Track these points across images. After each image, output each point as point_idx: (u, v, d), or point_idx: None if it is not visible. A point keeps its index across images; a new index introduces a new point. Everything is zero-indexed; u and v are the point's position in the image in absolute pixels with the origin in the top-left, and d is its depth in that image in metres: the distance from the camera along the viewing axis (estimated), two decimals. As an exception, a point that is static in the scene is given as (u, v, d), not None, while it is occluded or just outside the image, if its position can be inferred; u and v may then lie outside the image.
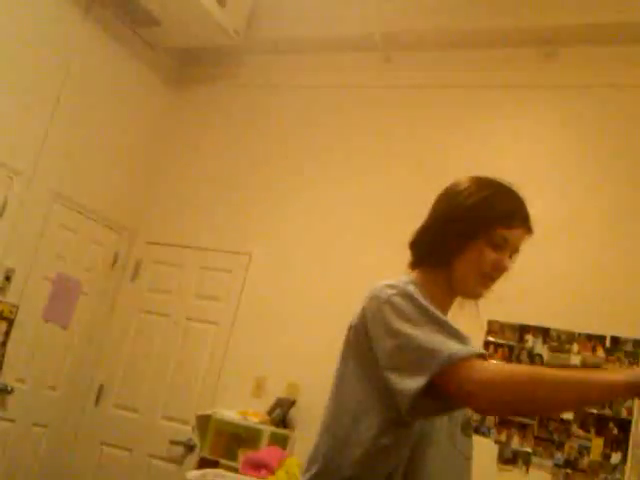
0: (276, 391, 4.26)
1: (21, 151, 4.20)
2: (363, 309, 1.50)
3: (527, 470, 3.72)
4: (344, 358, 1.56)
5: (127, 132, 4.98)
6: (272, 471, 3.43)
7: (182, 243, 4.90)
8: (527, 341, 3.93)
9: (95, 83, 4.66)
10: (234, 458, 3.87)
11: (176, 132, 5.27)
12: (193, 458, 4.22)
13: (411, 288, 1.49)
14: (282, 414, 4.11)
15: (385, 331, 1.42)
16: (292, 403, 4.16)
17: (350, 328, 1.54)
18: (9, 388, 4.15)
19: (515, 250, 1.59)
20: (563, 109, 4.24)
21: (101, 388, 4.80)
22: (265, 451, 3.72)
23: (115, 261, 4.99)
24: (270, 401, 4.22)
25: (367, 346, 1.47)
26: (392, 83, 4.70)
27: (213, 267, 4.76)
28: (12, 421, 4.23)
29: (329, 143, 4.76)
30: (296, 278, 4.51)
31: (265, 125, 5.01)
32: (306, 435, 4.17)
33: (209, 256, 4.79)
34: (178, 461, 4.37)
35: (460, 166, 4.27)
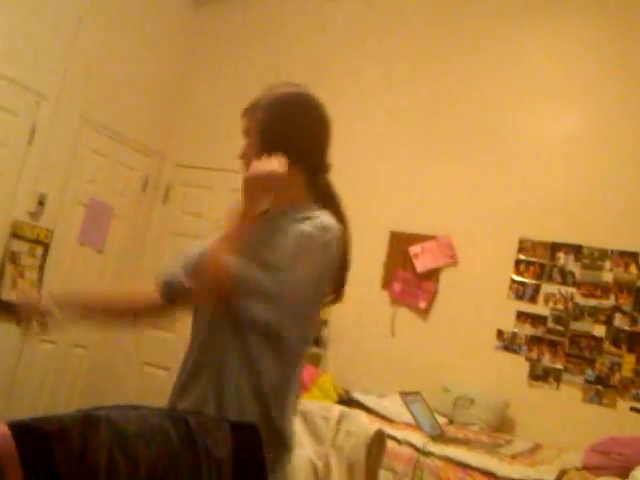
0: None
1: (47, 75, 4.17)
2: None
3: (558, 386, 3.77)
4: None
5: (154, 54, 4.91)
6: (306, 388, 3.51)
7: (211, 165, 4.89)
8: (559, 259, 3.91)
9: (119, 2, 4.57)
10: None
11: (204, 52, 5.19)
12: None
13: None
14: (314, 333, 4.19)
15: None
16: (324, 323, 4.23)
17: None
18: (49, 311, 4.25)
19: (244, 134, 1.85)
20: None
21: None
22: (299, 369, 3.80)
23: (146, 184, 5.02)
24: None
25: None
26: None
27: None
28: (54, 343, 4.37)
29: (364, 62, 4.66)
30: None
31: (291, 40, 4.90)
32: (338, 353, 4.26)
33: (239, 178, 4.78)
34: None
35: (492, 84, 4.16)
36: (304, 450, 2.71)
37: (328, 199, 1.70)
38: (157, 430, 1.47)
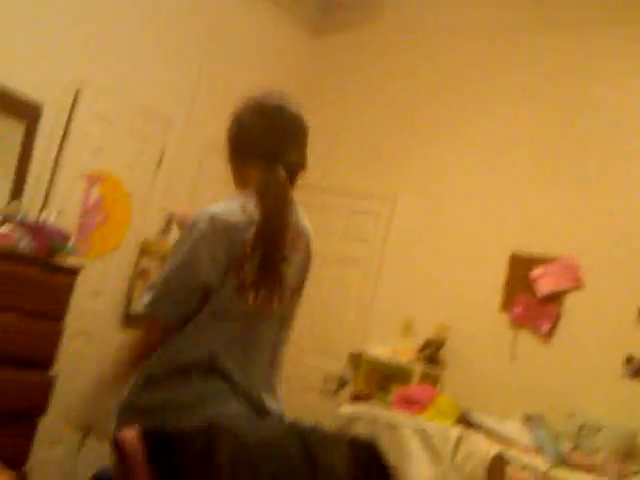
0: (425, 331, 4.28)
1: (175, 103, 4.38)
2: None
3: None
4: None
5: (269, 82, 5.04)
6: (424, 408, 3.47)
7: (328, 187, 4.95)
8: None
9: (237, 38, 4.74)
10: (386, 394, 3.95)
11: (319, 79, 5.28)
12: (346, 393, 4.35)
13: None
14: (432, 353, 4.13)
15: None
16: (442, 343, 4.17)
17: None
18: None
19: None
20: None
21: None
22: (417, 388, 3.76)
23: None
24: (419, 341, 4.25)
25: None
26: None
27: (360, 211, 4.80)
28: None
29: (481, 85, 4.61)
30: (446, 221, 4.47)
31: (410, 69, 4.90)
32: (456, 374, 4.17)
33: (355, 200, 4.83)
34: (331, 396, 4.52)
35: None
36: (422, 469, 2.66)
37: (262, 189, 1.87)
38: (277, 443, 1.49)
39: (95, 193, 4.05)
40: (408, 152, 4.74)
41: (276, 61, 5.09)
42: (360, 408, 3.19)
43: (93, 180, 4.02)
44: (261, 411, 1.81)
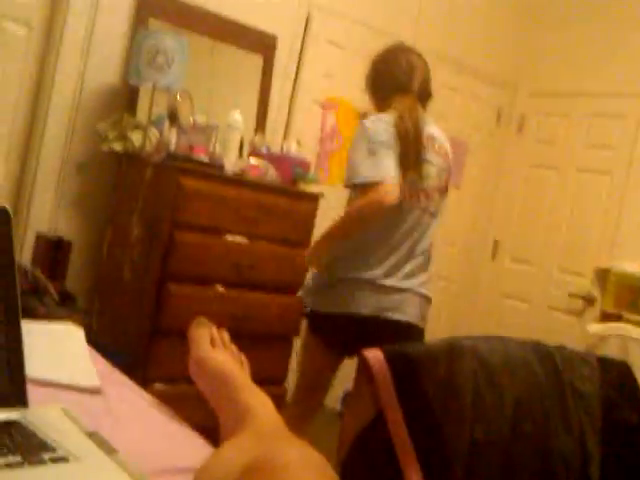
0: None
1: (402, 18, 4.33)
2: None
3: None
4: None
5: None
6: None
7: (568, 91, 4.65)
8: None
9: None
10: (638, 312, 3.72)
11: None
12: (594, 311, 4.17)
13: None
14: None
15: None
16: None
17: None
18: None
19: None
20: None
21: (496, 243, 4.95)
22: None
23: (499, 117, 4.97)
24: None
25: None
26: None
27: (603, 113, 4.45)
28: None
29: None
30: None
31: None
32: None
33: (598, 102, 4.48)
34: (578, 314, 4.36)
35: None
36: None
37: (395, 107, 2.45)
38: (522, 362, 1.48)
39: (331, 119, 4.18)
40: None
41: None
42: (609, 327, 3.04)
43: (328, 106, 4.15)
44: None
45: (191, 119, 3.24)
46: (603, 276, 4.02)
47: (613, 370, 1.59)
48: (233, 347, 1.23)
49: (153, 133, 3.21)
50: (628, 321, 3.60)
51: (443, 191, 2.51)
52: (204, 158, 3.07)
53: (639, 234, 4.16)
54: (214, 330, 1.22)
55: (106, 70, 3.35)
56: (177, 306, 2.92)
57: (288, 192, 3.31)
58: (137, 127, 3.24)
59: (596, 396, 1.54)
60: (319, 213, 3.47)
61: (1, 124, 3.21)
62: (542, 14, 4.91)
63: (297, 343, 3.47)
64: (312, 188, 3.43)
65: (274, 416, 1.03)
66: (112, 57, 3.36)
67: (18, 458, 0.79)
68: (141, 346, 2.92)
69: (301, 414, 2.48)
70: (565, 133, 4.66)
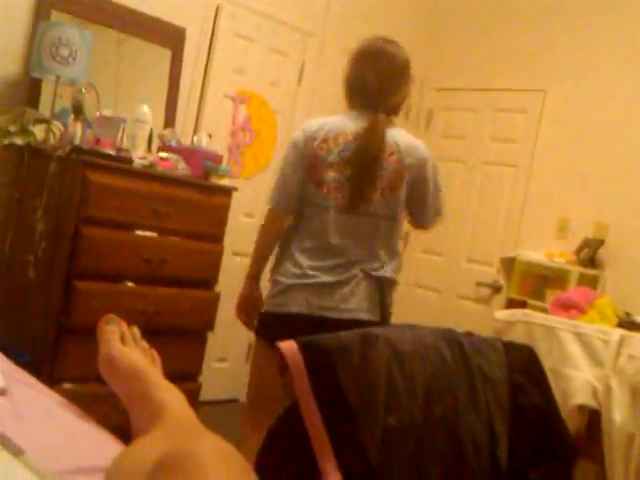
0: (580, 232, 4.13)
1: (312, 14, 4.34)
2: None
3: None
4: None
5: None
6: (583, 311, 3.38)
7: (473, 86, 4.78)
8: None
9: None
10: (542, 299, 3.88)
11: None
12: (500, 299, 4.32)
13: None
14: (590, 254, 3.98)
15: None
16: (600, 243, 4.00)
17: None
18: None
19: None
20: None
21: (406, 235, 5.05)
22: (574, 291, 3.66)
23: (408, 112, 5.06)
24: (574, 243, 4.10)
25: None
26: None
27: (507, 108, 4.61)
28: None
29: None
30: (599, 116, 4.19)
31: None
32: (617, 276, 4.01)
33: (502, 97, 4.64)
34: (485, 302, 4.51)
35: None
36: (582, 373, 2.62)
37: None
38: (432, 349, 1.52)
39: (242, 113, 4.15)
40: (555, 45, 4.44)
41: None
42: (515, 313, 3.16)
43: (239, 100, 4.12)
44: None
45: (97, 113, 3.15)
46: (509, 265, 4.17)
47: (519, 354, 1.65)
48: (144, 343, 1.21)
49: (57, 126, 3.11)
50: (533, 308, 3.74)
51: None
52: (111, 151, 2.99)
53: (542, 224, 4.33)
54: (124, 327, 1.20)
55: (7, 62, 3.22)
56: (85, 303, 2.84)
57: (200, 186, 3.27)
58: (40, 121, 3.13)
59: (503, 380, 1.59)
60: (234, 207, 3.45)
61: None
62: (447, 12, 5.03)
63: (211, 337, 3.45)
64: (228, 182, 3.40)
65: (187, 412, 1.02)
66: (12, 49, 3.23)
67: None
68: (47, 345, 2.83)
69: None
70: (471, 127, 4.80)
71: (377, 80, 2.36)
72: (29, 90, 3.25)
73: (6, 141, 3.06)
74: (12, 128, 3.08)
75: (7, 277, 3.14)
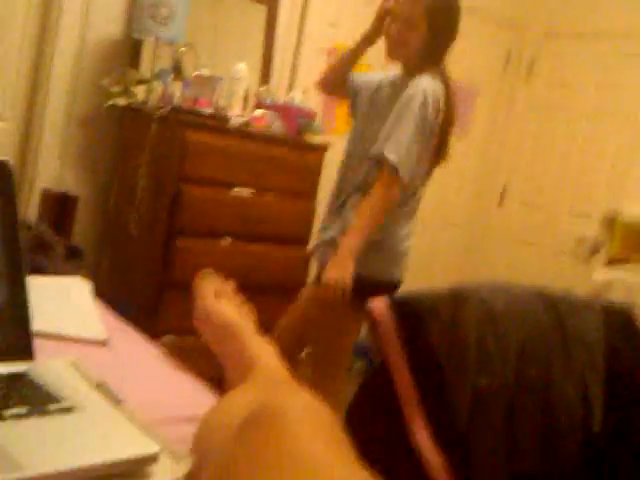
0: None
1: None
2: None
3: None
4: None
5: None
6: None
7: (581, 31, 4.55)
8: None
9: None
10: (647, 256, 3.71)
11: None
12: (601, 256, 4.16)
13: None
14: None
15: None
16: None
17: None
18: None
19: (401, 17, 2.22)
20: None
21: (505, 188, 4.92)
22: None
23: (508, 59, 4.88)
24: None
25: None
26: None
27: (615, 53, 4.36)
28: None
29: None
30: None
31: None
32: None
33: (610, 42, 4.39)
34: (585, 258, 4.35)
35: None
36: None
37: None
38: (526, 310, 1.48)
39: (336, 68, 4.12)
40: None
41: None
42: (615, 273, 3.03)
43: (334, 54, 4.09)
44: None
45: (195, 72, 3.21)
46: (612, 219, 4.00)
47: (617, 316, 1.59)
48: (238, 298, 1.24)
49: (157, 86, 3.19)
50: (634, 267, 3.59)
51: None
52: (208, 110, 3.05)
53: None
54: (219, 282, 1.23)
55: (108, 24, 3.31)
56: (184, 259, 2.94)
57: (294, 143, 3.29)
58: (141, 81, 3.22)
59: (599, 343, 1.54)
60: (326, 164, 3.46)
61: (5, 81, 3.19)
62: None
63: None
64: (319, 139, 3.41)
65: (279, 367, 1.04)
66: (114, 11, 3.31)
67: (24, 410, 0.80)
68: (150, 299, 2.96)
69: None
70: (577, 75, 4.58)
71: None
72: (130, 51, 3.34)
73: (109, 102, 3.17)
74: (115, 89, 3.18)
75: (112, 234, 3.28)
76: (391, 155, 2.15)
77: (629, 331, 1.55)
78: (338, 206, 2.38)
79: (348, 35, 4.08)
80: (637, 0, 4.27)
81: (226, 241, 3.08)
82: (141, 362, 1.19)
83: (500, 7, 4.68)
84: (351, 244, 2.19)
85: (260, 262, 3.18)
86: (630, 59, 4.30)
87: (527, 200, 4.77)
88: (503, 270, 4.78)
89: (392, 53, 2.29)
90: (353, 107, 2.50)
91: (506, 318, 1.45)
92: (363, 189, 2.27)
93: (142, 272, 3.03)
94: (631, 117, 4.27)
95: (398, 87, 2.28)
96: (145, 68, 3.29)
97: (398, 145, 2.15)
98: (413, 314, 1.38)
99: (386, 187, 2.19)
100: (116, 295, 2.92)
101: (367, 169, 2.29)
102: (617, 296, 2.80)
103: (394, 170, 2.16)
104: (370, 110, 2.38)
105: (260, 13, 3.73)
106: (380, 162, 2.20)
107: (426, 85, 2.17)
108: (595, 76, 4.48)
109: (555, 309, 1.53)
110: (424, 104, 2.15)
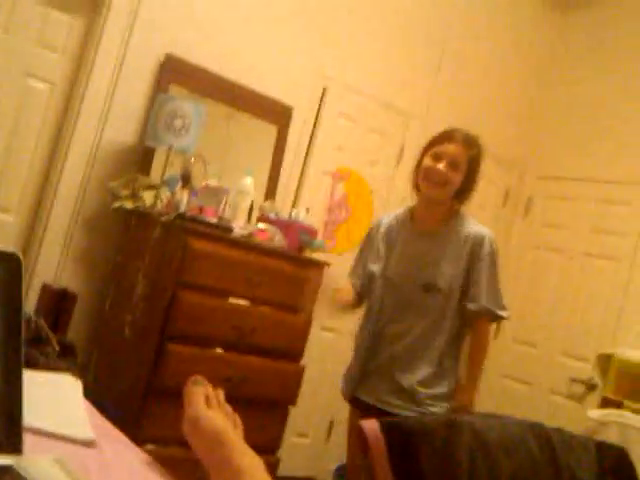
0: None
1: (414, 97, 4.44)
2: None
3: None
4: None
5: (511, 65, 4.92)
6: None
7: (575, 176, 4.72)
8: None
9: (478, 18, 4.67)
10: (639, 400, 3.67)
11: (564, 59, 5.03)
12: (594, 397, 4.12)
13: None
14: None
15: None
16: None
17: None
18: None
19: (449, 158, 2.49)
20: None
21: (499, 324, 4.93)
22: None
23: (506, 198, 5.02)
24: (680, 343, 3.90)
25: None
26: None
27: (611, 200, 4.50)
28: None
29: None
30: None
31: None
32: None
33: (606, 188, 4.54)
34: (578, 399, 4.31)
35: None
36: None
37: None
38: (519, 441, 1.47)
39: (340, 190, 4.24)
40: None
41: (517, 44, 4.93)
42: (609, 413, 3.00)
43: (338, 177, 4.22)
44: None
45: (203, 182, 3.29)
46: (605, 362, 3.99)
47: (611, 456, 1.57)
48: (228, 407, 1.22)
49: (165, 193, 3.26)
50: (629, 409, 3.55)
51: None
52: (213, 220, 3.11)
53: (642, 321, 4.15)
54: (209, 389, 1.22)
55: (124, 130, 3.43)
56: (175, 366, 2.90)
57: (294, 258, 3.33)
58: (150, 187, 3.30)
59: (592, 481, 1.52)
60: (323, 282, 3.48)
61: (16, 175, 3.27)
62: (550, 99, 5.03)
63: (293, 411, 3.43)
64: (319, 256, 3.45)
65: (266, 479, 1.02)
66: (131, 118, 3.44)
67: (8, 502, 0.78)
68: (135, 404, 2.90)
69: None
70: (571, 217, 4.71)
71: None
72: (142, 157, 3.44)
73: (117, 204, 3.23)
74: (123, 192, 3.26)
75: (105, 334, 3.26)
76: (501, 312, 2.49)
77: (624, 473, 1.53)
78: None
79: (352, 159, 4.25)
80: (624, 151, 4.45)
81: (218, 350, 3.06)
82: (127, 466, 1.16)
83: (500, 148, 4.86)
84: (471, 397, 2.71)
85: (250, 374, 3.13)
86: (621, 205, 4.43)
87: (521, 337, 4.77)
88: (495, 406, 4.71)
89: (434, 189, 2.46)
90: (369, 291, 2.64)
91: (499, 448, 1.43)
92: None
93: (131, 375, 2.99)
94: (625, 261, 4.35)
95: (443, 227, 2.53)
96: (155, 174, 3.38)
97: (496, 295, 2.51)
98: (405, 437, 1.36)
99: (488, 332, 2.58)
100: (102, 396, 2.87)
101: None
102: (611, 437, 2.76)
103: (499, 318, 2.52)
104: (399, 261, 2.56)
105: (271, 132, 3.87)
106: (479, 313, 2.48)
107: (483, 231, 2.51)
108: (588, 219, 4.60)
109: (549, 443, 1.51)
110: (494, 250, 2.53)
